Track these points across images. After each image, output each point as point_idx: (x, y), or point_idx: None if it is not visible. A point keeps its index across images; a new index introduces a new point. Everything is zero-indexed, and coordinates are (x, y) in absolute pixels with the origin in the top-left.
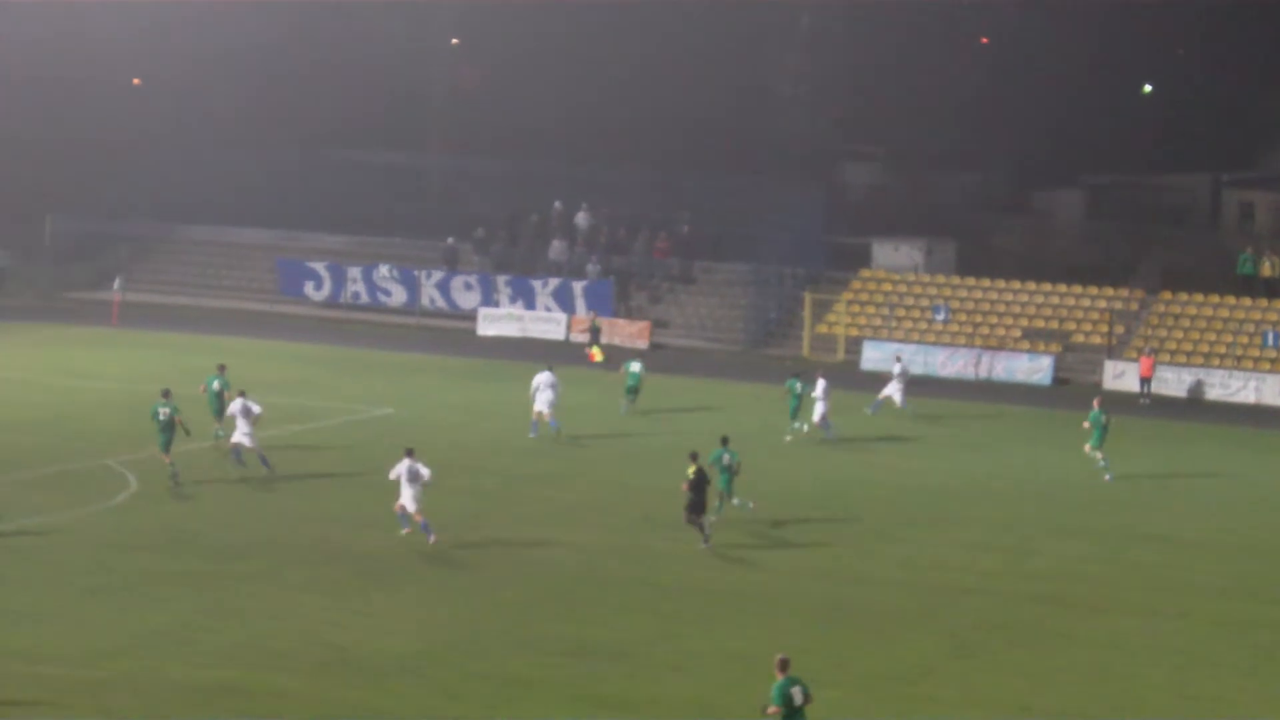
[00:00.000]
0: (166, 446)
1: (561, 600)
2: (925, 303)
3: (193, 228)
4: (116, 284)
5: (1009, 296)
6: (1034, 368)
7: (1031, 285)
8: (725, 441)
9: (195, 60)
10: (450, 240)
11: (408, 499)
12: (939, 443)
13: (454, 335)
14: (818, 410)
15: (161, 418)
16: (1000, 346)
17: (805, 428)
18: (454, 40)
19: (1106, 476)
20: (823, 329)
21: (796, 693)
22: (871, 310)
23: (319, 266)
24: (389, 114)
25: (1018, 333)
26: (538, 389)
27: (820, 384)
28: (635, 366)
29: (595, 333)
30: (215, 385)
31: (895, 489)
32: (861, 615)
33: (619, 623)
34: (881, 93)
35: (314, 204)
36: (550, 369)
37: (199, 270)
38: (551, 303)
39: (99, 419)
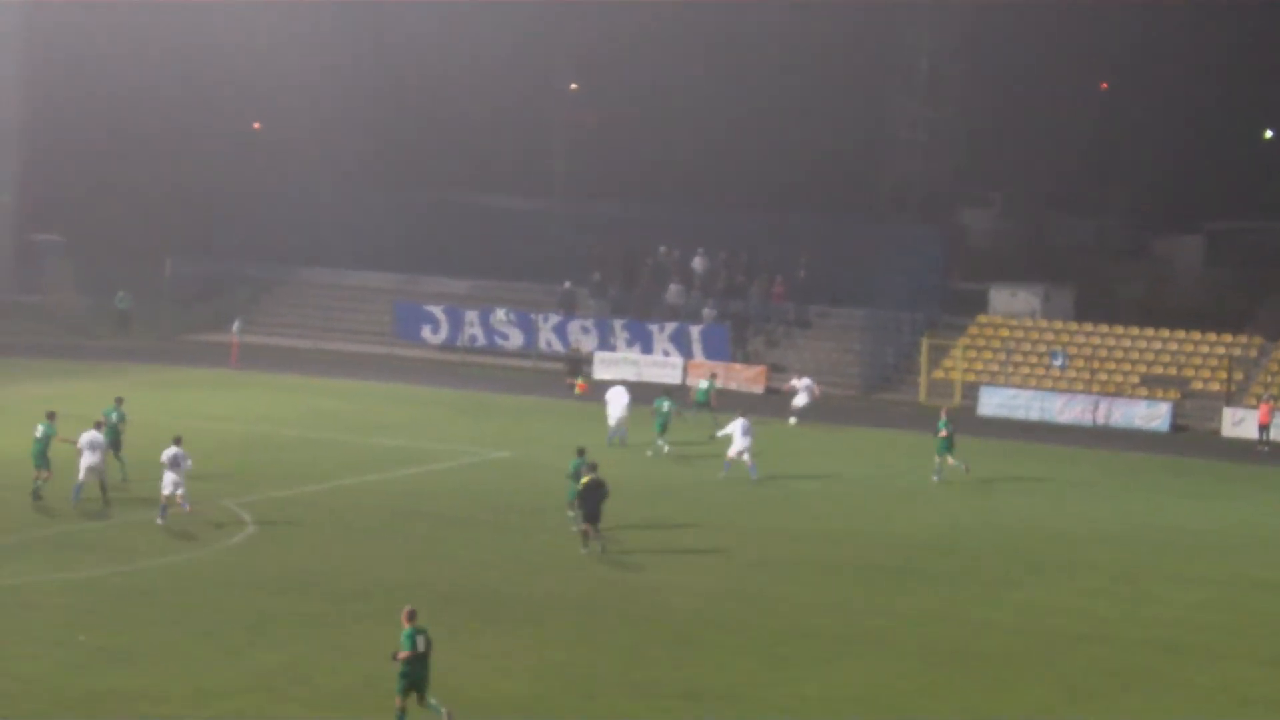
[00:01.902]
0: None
1: (675, 643)
2: (1043, 349)
3: (312, 270)
4: (235, 326)
5: (1127, 343)
6: (1152, 414)
7: (1150, 331)
8: (581, 453)
9: (315, 105)
10: (567, 284)
11: (168, 483)
12: (1057, 488)
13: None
14: (736, 446)
15: (38, 434)
16: (1118, 393)
17: (666, 449)
18: (573, 85)
19: (935, 477)
20: (939, 374)
21: (420, 640)
22: (989, 356)
23: (436, 310)
24: (508, 159)
25: (1136, 379)
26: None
27: (740, 422)
28: (665, 406)
29: (576, 364)
30: (113, 417)
31: (1013, 534)
32: (978, 660)
33: (732, 666)
34: (1000, 137)
35: (433, 248)
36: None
37: (317, 313)
38: (669, 346)
39: (217, 460)
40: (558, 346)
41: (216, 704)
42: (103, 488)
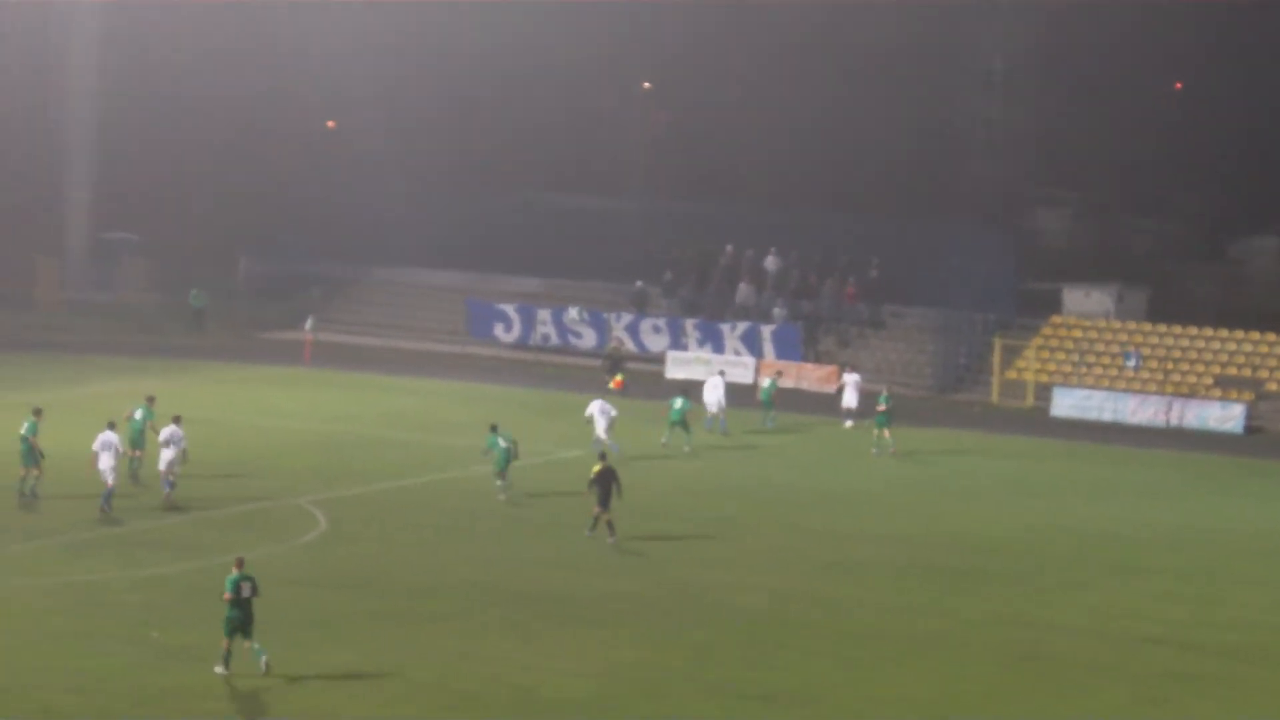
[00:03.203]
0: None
1: (746, 644)
2: (1116, 349)
3: (385, 269)
4: (308, 324)
5: (1201, 344)
6: (1226, 416)
7: (1224, 332)
8: (494, 429)
9: (391, 105)
10: (639, 283)
11: (163, 460)
12: (1128, 490)
13: (642, 378)
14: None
15: (24, 430)
16: (1192, 394)
17: (687, 448)
18: (646, 85)
19: (873, 450)
20: (1012, 375)
21: (246, 586)
22: (1061, 356)
23: (509, 309)
24: (581, 158)
25: (1209, 380)
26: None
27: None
28: (679, 403)
29: (615, 362)
30: (139, 415)
31: (1084, 535)
32: (1049, 663)
33: (804, 668)
34: (1074, 138)
35: (505, 247)
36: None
37: (390, 311)
38: (740, 346)
39: (290, 458)
40: (630, 345)
41: (288, 701)
42: (134, 477)
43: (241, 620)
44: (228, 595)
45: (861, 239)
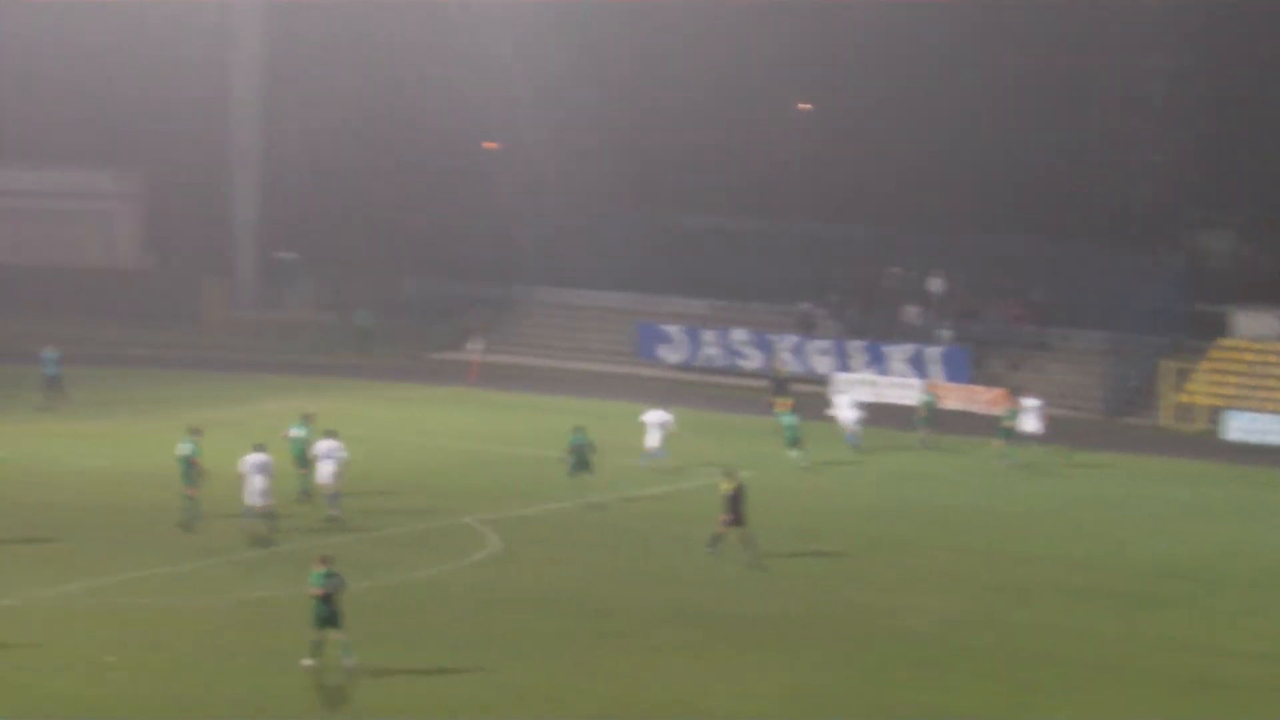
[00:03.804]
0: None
1: (917, 666)
2: None
3: (550, 290)
4: (474, 344)
5: None
6: None
7: None
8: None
9: (555, 125)
10: (805, 305)
11: (325, 475)
12: None
13: (808, 400)
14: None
15: (184, 450)
16: None
17: (805, 463)
18: (806, 106)
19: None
20: (1183, 398)
21: (331, 582)
22: (1233, 380)
23: (675, 330)
24: (744, 180)
25: None
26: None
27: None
28: (788, 420)
29: (781, 383)
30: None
31: (1258, 560)
32: (1223, 689)
33: (977, 691)
34: (1238, 158)
35: (671, 269)
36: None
37: (555, 332)
38: (906, 368)
39: (458, 478)
40: (797, 368)
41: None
42: (269, 513)
43: (330, 615)
44: (316, 591)
45: (1025, 261)
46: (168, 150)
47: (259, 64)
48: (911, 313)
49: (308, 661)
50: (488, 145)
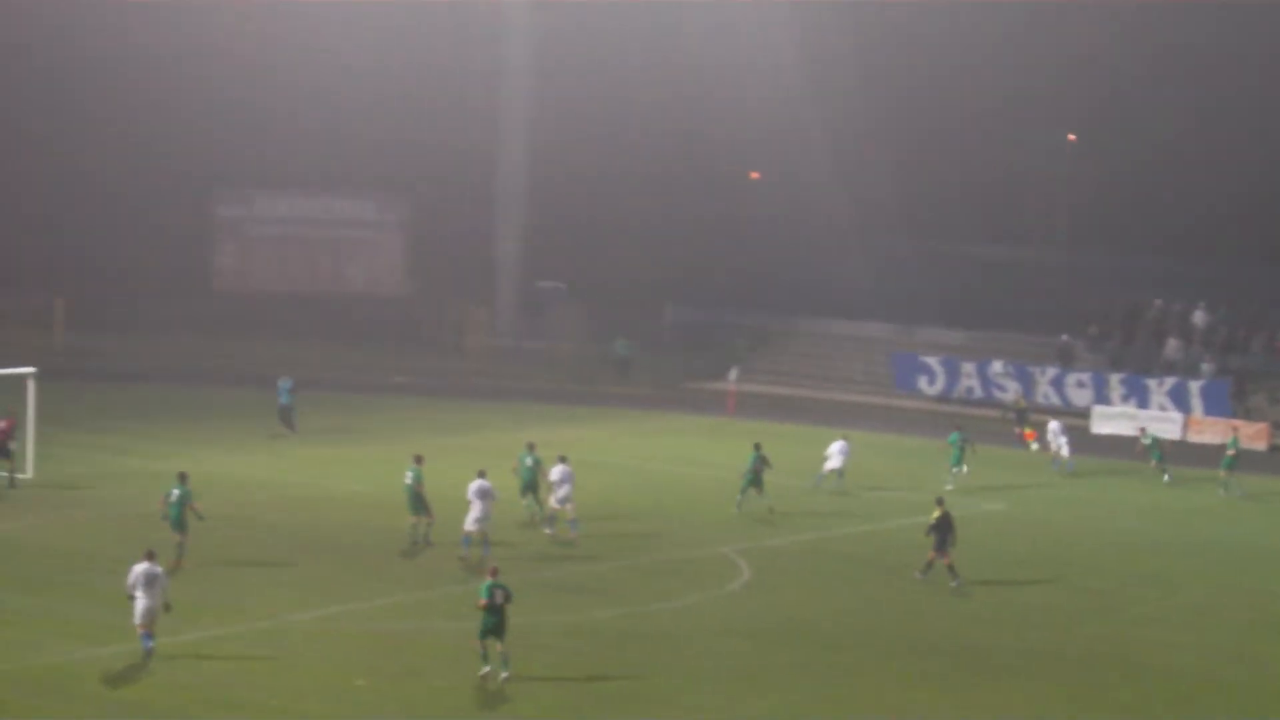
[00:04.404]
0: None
1: (1174, 703)
2: None
3: (808, 320)
4: (732, 374)
5: None
6: None
7: None
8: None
9: (812, 154)
10: (1064, 337)
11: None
12: None
13: (1067, 433)
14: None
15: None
16: None
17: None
18: (1071, 136)
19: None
20: None
21: (499, 594)
22: None
23: (933, 361)
24: (1004, 209)
25: None
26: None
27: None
28: (955, 438)
29: (1022, 414)
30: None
31: None
32: None
33: None
34: None
35: (930, 299)
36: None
37: (814, 362)
38: (1167, 402)
39: (714, 508)
40: (1055, 400)
41: None
42: (485, 541)
43: (495, 625)
44: (482, 601)
45: None
46: (433, 177)
47: (526, 95)
48: (1172, 346)
49: (485, 670)
50: (753, 175)
